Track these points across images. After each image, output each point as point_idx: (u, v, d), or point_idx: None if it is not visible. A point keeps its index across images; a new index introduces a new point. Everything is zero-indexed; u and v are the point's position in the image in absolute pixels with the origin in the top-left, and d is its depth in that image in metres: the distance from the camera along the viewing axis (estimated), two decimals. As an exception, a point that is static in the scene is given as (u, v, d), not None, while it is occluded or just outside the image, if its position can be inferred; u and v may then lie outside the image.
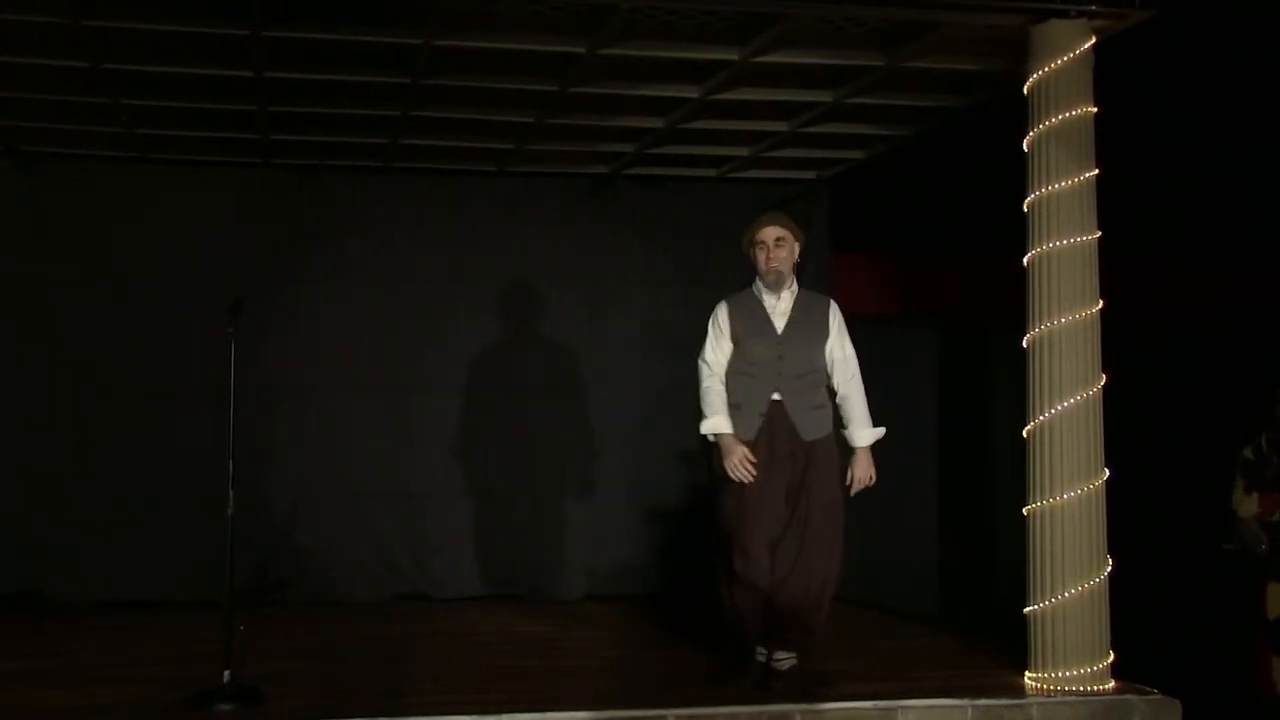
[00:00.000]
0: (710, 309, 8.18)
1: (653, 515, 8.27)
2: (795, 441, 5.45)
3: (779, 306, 5.59)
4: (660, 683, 5.69)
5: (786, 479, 5.44)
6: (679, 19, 5.86)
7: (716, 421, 5.50)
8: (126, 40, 5.96)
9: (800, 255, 5.66)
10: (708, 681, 5.54)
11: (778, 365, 5.51)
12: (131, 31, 5.83)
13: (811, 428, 5.50)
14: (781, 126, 7.34)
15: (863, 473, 5.57)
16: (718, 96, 6.70)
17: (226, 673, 5.22)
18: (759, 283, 5.65)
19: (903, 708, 5.14)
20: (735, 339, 5.57)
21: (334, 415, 7.97)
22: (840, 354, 5.62)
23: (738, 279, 8.36)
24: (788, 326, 5.57)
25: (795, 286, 5.62)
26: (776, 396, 5.49)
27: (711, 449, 5.56)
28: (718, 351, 5.61)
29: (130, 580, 7.63)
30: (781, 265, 5.54)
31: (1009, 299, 6.04)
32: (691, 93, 6.67)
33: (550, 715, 5.07)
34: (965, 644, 6.55)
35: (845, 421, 5.58)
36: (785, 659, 5.55)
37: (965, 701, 5.18)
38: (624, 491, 8.25)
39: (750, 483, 5.36)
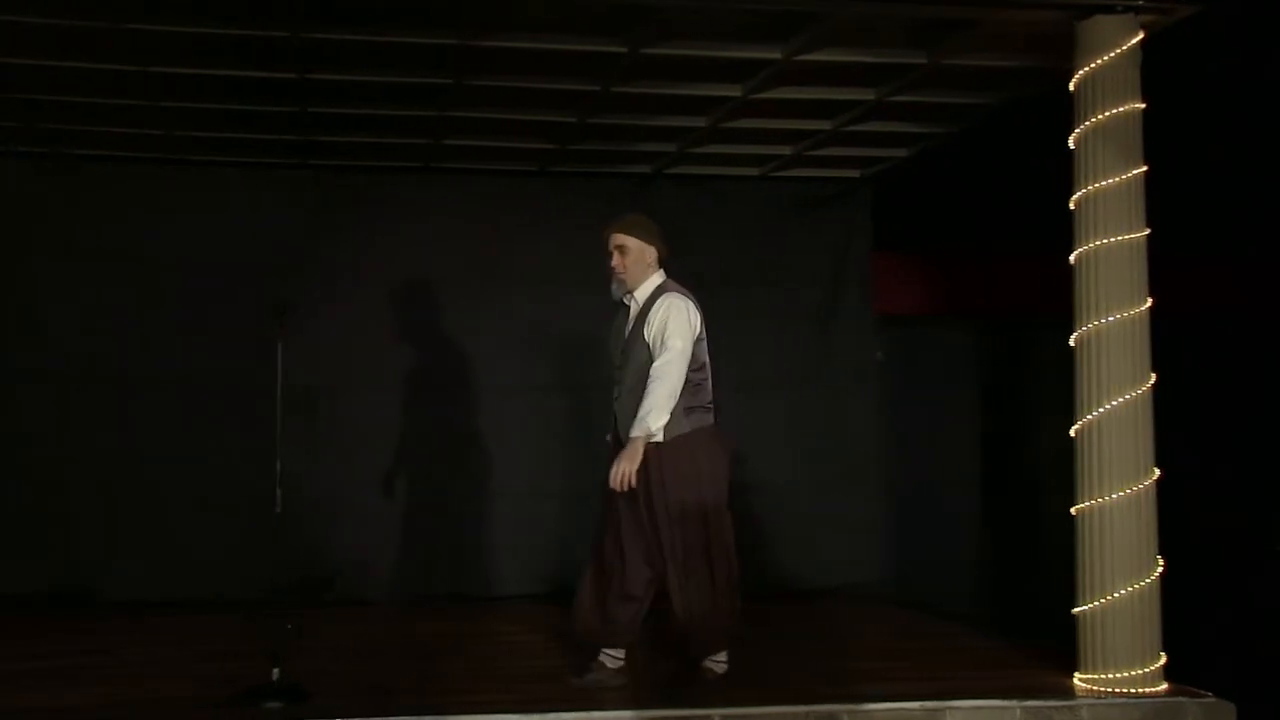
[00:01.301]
0: (755, 308, 8.21)
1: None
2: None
3: (632, 310, 5.60)
4: (705, 682, 5.67)
5: (638, 485, 5.35)
6: (720, 18, 5.84)
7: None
8: (167, 43, 6.00)
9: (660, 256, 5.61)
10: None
11: (618, 373, 5.54)
12: (172, 35, 5.87)
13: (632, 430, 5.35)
14: (824, 125, 7.31)
15: (615, 467, 5.30)
16: (760, 95, 6.68)
17: (275, 670, 5.24)
18: None
19: (950, 708, 5.09)
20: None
21: (375, 416, 7.99)
22: (650, 357, 5.41)
23: (781, 278, 8.42)
24: (630, 333, 5.54)
25: (645, 293, 5.54)
26: (617, 394, 5.52)
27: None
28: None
29: (179, 579, 7.68)
30: (625, 275, 5.54)
31: (1053, 297, 6.00)
32: (733, 91, 6.65)
33: (594, 714, 5.07)
34: (1011, 644, 6.49)
35: None
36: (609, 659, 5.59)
37: (1014, 702, 5.13)
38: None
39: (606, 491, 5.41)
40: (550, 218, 8.24)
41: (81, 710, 5.16)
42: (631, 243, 5.55)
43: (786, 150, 7.85)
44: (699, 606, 5.45)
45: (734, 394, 8.27)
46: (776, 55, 6.10)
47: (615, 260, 5.55)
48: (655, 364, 5.34)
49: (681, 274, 8.27)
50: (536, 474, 8.13)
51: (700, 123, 7.19)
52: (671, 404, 5.34)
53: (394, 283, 8.04)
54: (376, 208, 8.12)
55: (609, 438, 5.56)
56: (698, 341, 5.53)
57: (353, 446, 7.97)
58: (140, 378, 7.77)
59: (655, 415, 5.30)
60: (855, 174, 8.50)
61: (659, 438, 5.36)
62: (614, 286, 5.59)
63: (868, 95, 6.75)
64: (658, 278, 5.59)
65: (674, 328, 5.42)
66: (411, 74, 6.38)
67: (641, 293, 5.55)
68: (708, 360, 5.60)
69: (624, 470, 5.27)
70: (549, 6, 5.67)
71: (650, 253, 5.58)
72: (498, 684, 5.63)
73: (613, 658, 5.58)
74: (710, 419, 5.58)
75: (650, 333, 5.44)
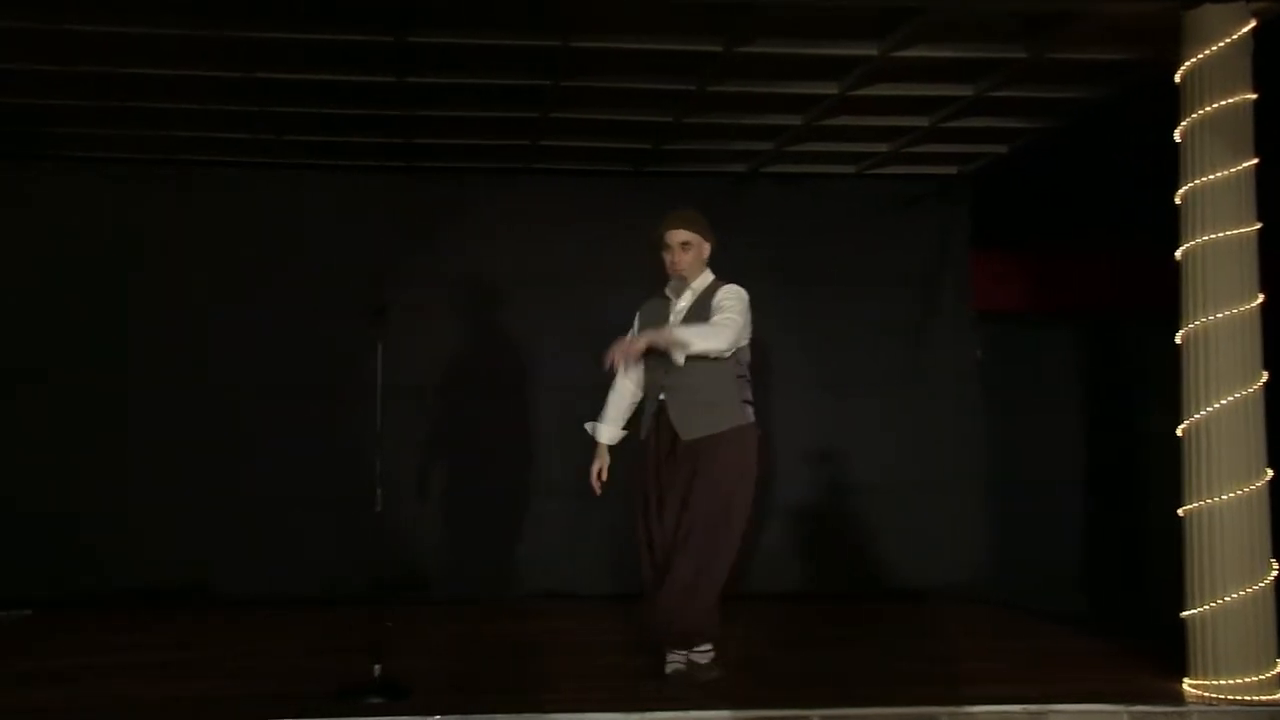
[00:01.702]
0: (852, 307, 8.16)
1: (792, 513, 8.21)
2: (679, 442, 5.40)
3: (680, 306, 5.57)
4: (803, 682, 5.65)
5: (675, 479, 5.41)
6: (816, 15, 5.80)
7: (597, 429, 5.70)
8: (274, 49, 6.11)
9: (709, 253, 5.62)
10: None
11: (663, 363, 5.44)
12: (278, 41, 5.98)
13: (694, 427, 5.40)
14: (921, 122, 7.24)
15: (616, 345, 5.35)
16: (856, 92, 6.63)
17: (377, 667, 5.31)
18: (670, 283, 5.65)
19: (1053, 711, 5.00)
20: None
21: (477, 414, 8.07)
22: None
23: (878, 276, 8.36)
24: (678, 325, 5.50)
25: (703, 284, 5.58)
26: (663, 396, 5.46)
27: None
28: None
29: (285, 576, 7.83)
30: (684, 270, 5.53)
31: (1157, 294, 5.87)
32: (830, 89, 6.61)
33: (691, 714, 5.06)
34: (1115, 647, 6.37)
35: None
36: (675, 659, 5.54)
37: (1120, 707, 5.02)
38: (764, 490, 8.19)
39: (641, 488, 5.48)
40: (646, 218, 8.23)
41: (185, 702, 5.28)
42: (694, 238, 5.57)
43: (883, 147, 7.79)
44: (702, 595, 5.41)
45: (831, 393, 8.27)
46: (873, 52, 6.06)
47: (678, 256, 5.54)
48: (720, 317, 5.37)
49: (777, 273, 8.31)
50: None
51: (796, 121, 7.16)
52: (708, 348, 5.32)
53: (490, 283, 8.10)
54: (478, 209, 8.19)
55: (647, 437, 5.51)
56: (752, 341, 5.62)
57: (450, 446, 8.05)
58: (246, 378, 7.93)
59: (698, 342, 5.29)
60: (953, 171, 8.41)
61: (697, 434, 5.36)
62: (673, 282, 5.58)
63: (966, 91, 6.67)
64: (709, 273, 5.63)
65: (739, 305, 5.48)
66: (509, 76, 6.44)
67: (698, 285, 5.58)
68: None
69: (629, 346, 5.33)
70: (646, 7, 5.68)
71: (707, 248, 5.62)
72: (594, 682, 5.64)
73: (701, 653, 5.56)
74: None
75: (716, 305, 5.48)
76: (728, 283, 5.57)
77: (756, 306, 8.21)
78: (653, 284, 8.02)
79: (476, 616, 7.52)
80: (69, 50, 5.98)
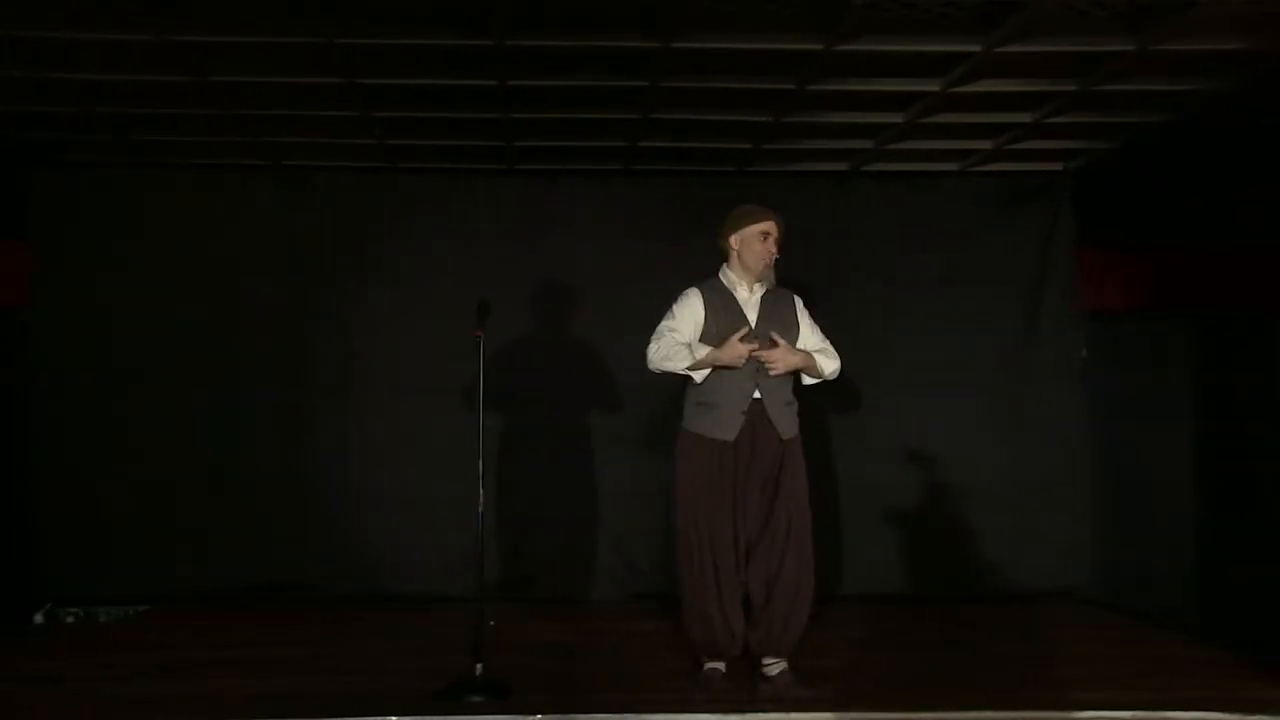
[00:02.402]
0: (955, 306, 8.04)
1: (893, 515, 8.14)
2: (774, 443, 5.39)
3: (750, 299, 5.52)
4: (907, 685, 5.60)
5: (762, 480, 5.38)
6: (917, 11, 5.74)
7: (691, 351, 5.43)
8: (377, 55, 6.20)
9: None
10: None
11: (755, 363, 5.41)
12: (382, 47, 6.07)
13: (787, 426, 5.45)
14: (1025, 118, 7.12)
15: (779, 351, 5.42)
16: (959, 89, 6.54)
17: (479, 665, 5.37)
18: (730, 275, 5.60)
19: (1166, 718, 4.91)
20: (706, 333, 5.49)
21: (577, 415, 8.11)
22: (816, 342, 5.64)
23: (982, 274, 8.25)
24: (760, 321, 5.49)
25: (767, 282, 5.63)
26: (757, 395, 5.39)
27: (682, 451, 5.52)
28: (679, 333, 5.53)
29: (387, 574, 7.96)
30: (772, 262, 5.54)
31: (1273, 291, 5.72)
32: (932, 86, 6.53)
33: (792, 716, 5.05)
34: (1228, 655, 6.23)
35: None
36: (774, 664, 5.48)
37: (1235, 716, 4.92)
38: (864, 491, 8.14)
39: (716, 489, 5.37)
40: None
41: (289, 698, 5.40)
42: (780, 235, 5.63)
43: (986, 144, 7.68)
44: (799, 603, 5.48)
45: (933, 393, 8.17)
46: (977, 48, 5.97)
47: (774, 247, 5.59)
48: (828, 349, 5.63)
49: (878, 272, 8.25)
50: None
51: (898, 119, 7.09)
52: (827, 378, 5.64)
53: (591, 284, 8.14)
54: (579, 211, 8.24)
55: (738, 437, 5.43)
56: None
57: (551, 446, 8.10)
58: (347, 379, 8.08)
59: (827, 376, 5.63)
60: (1058, 167, 8.27)
61: (792, 432, 5.46)
62: (764, 272, 5.59)
63: (1071, 86, 6.55)
64: None
65: (817, 326, 5.71)
66: (609, 78, 6.45)
67: (769, 281, 5.64)
68: None
69: (783, 357, 5.39)
70: (745, 6, 5.67)
71: None
72: (693, 684, 5.64)
73: (774, 664, 5.53)
74: None
75: (800, 333, 5.60)
76: (785, 287, 5.73)
77: (859, 305, 8.24)
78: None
79: (578, 616, 7.56)
80: (177, 60, 6.11)
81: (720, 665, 5.59)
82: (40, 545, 7.82)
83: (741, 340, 5.41)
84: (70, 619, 7.45)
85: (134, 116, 7.16)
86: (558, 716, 5.08)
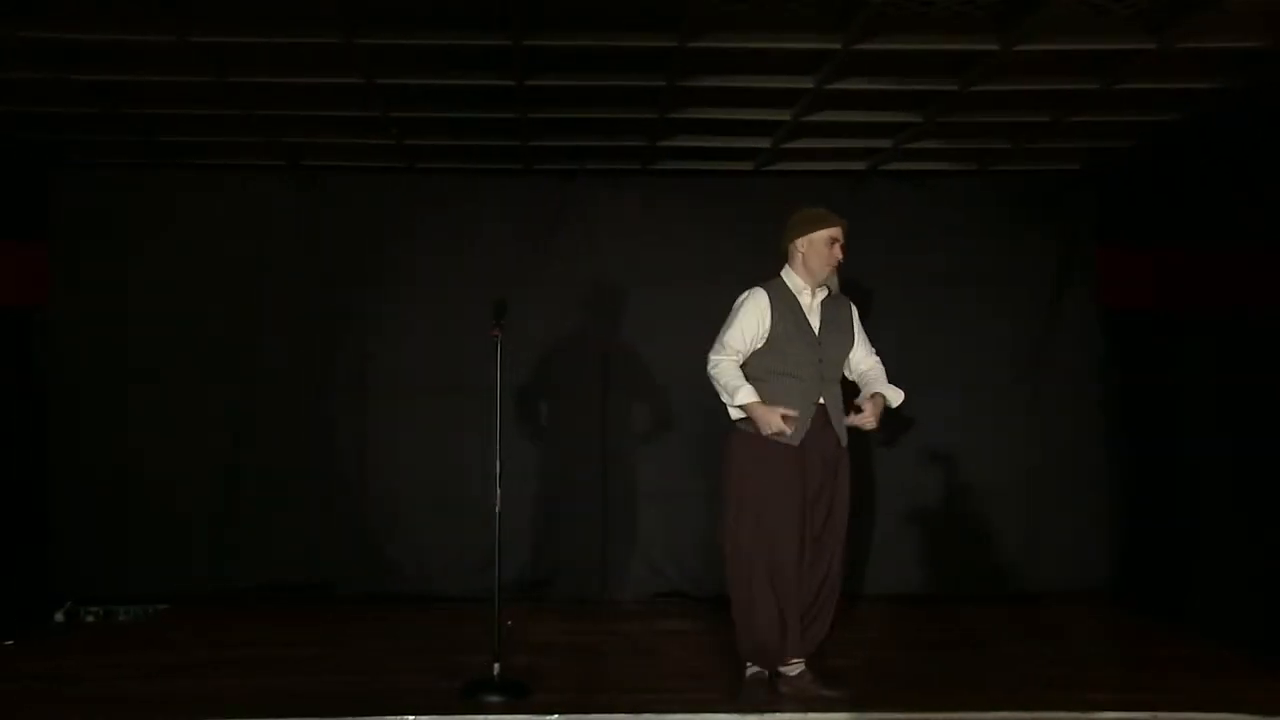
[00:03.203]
0: (974, 306, 8.01)
1: (913, 515, 8.11)
2: (833, 446, 5.42)
3: (812, 304, 5.51)
4: (928, 685, 5.58)
5: (820, 483, 5.40)
6: (935, 10, 5.72)
7: (745, 392, 5.38)
8: (395, 55, 6.21)
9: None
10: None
11: (819, 368, 5.42)
12: (400, 47, 6.07)
13: (845, 432, 5.50)
14: (1043, 117, 7.09)
15: (871, 418, 5.53)
16: (977, 88, 6.52)
17: (496, 665, 5.37)
18: (795, 279, 5.56)
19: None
20: (773, 336, 5.45)
21: (595, 414, 8.11)
22: (866, 352, 5.71)
23: (1001, 275, 8.22)
24: (822, 326, 5.49)
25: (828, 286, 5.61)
26: (821, 400, 5.40)
27: (742, 453, 5.46)
28: (743, 339, 5.48)
29: (407, 575, 7.98)
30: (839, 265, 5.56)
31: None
32: (950, 85, 6.50)
33: (811, 716, 5.04)
34: (1250, 657, 6.20)
35: (870, 385, 5.63)
36: (797, 664, 5.47)
37: (1259, 718, 4.89)
38: (882, 490, 8.12)
39: (787, 492, 5.33)
40: (766, 216, 8.21)
41: (312, 697, 5.41)
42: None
43: (1005, 144, 7.65)
44: (835, 599, 5.55)
45: (956, 393, 8.15)
46: (994, 47, 5.94)
47: (840, 252, 5.58)
48: (876, 359, 5.70)
49: (898, 272, 8.23)
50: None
51: (916, 118, 7.07)
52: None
53: (606, 284, 8.13)
54: (595, 210, 8.24)
55: (804, 440, 5.41)
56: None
57: (571, 446, 8.10)
58: (372, 380, 8.10)
59: (895, 401, 5.66)
60: (1077, 166, 8.23)
61: (847, 438, 5.53)
62: (828, 276, 5.59)
63: (1090, 85, 6.51)
64: None
65: (866, 335, 5.77)
66: (627, 77, 6.45)
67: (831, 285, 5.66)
68: None
69: (873, 425, 5.53)
70: (763, 5, 5.65)
71: None
72: (716, 684, 5.64)
73: (795, 665, 5.52)
74: None
75: (855, 341, 5.67)
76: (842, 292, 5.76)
77: (876, 305, 8.22)
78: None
79: (596, 616, 7.56)
80: (196, 61, 6.12)
81: (766, 671, 5.54)
82: (59, 544, 7.86)
83: (805, 348, 5.47)
84: (90, 618, 7.48)
85: (152, 117, 7.19)
86: (575, 716, 5.08)
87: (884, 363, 7.99)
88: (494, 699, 5.30)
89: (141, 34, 5.79)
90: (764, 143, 7.60)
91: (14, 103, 6.87)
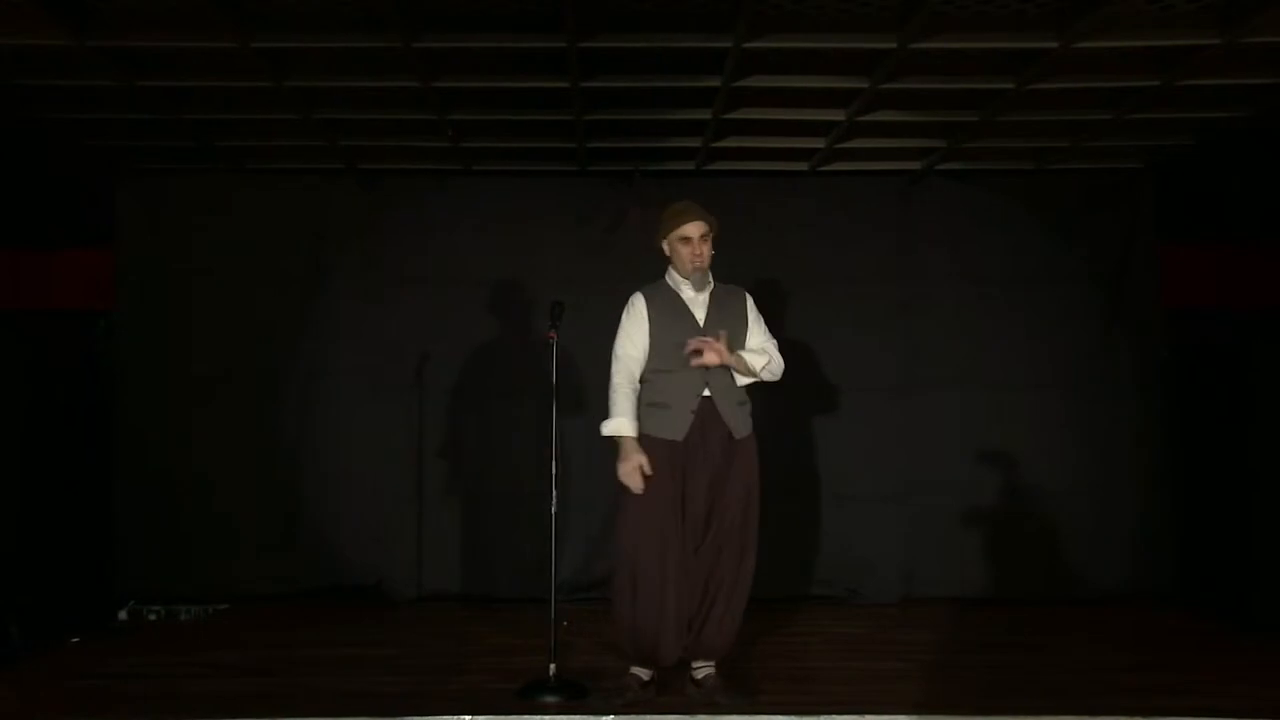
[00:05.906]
0: (1033, 306, 7.94)
1: (973, 516, 8.05)
2: (724, 439, 5.28)
3: (698, 299, 5.40)
4: (989, 688, 5.53)
5: (710, 479, 5.25)
6: (993, 9, 5.68)
7: (619, 423, 5.28)
8: (452, 58, 6.26)
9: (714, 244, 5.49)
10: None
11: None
12: (456, 50, 6.12)
13: (740, 425, 5.33)
14: (1104, 115, 7.01)
15: (707, 349, 5.26)
16: (1035, 86, 6.46)
17: (552, 666, 5.39)
18: (674, 275, 5.47)
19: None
20: (654, 334, 5.36)
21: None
22: (762, 341, 5.47)
23: (1060, 274, 8.14)
24: (708, 318, 5.37)
25: (712, 280, 5.47)
26: (706, 393, 5.28)
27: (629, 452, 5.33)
28: (633, 345, 5.38)
29: (464, 575, 8.03)
30: (706, 262, 5.39)
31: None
32: (1007, 84, 6.45)
33: (867, 719, 5.01)
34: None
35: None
36: (702, 667, 5.38)
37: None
38: (945, 492, 8.06)
39: (665, 490, 5.20)
40: (822, 216, 8.20)
41: (367, 697, 5.45)
42: (712, 229, 5.51)
43: (1064, 142, 7.57)
44: (745, 598, 5.38)
45: (1014, 394, 8.08)
46: (1053, 44, 5.89)
47: (701, 248, 5.43)
48: (773, 348, 5.46)
49: (955, 272, 8.17)
50: (812, 476, 8.09)
51: (973, 117, 7.01)
52: (766, 379, 5.46)
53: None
54: (649, 211, 8.23)
55: (687, 436, 5.29)
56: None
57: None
58: (435, 381, 8.12)
59: (765, 376, 5.42)
60: (1138, 165, 8.14)
61: (745, 431, 5.35)
62: (695, 276, 5.42)
63: (1152, 81, 6.44)
64: None
65: (765, 325, 5.56)
66: (682, 79, 6.45)
67: (710, 282, 5.51)
68: None
69: (720, 351, 5.24)
70: (819, 5, 5.64)
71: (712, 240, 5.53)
72: (774, 684, 5.64)
73: (702, 667, 5.47)
74: None
75: (748, 330, 5.47)
76: (731, 283, 5.61)
77: (934, 306, 8.16)
78: (834, 281, 8.04)
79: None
80: (256, 66, 6.20)
81: (645, 672, 5.43)
82: (123, 545, 7.97)
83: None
84: (152, 616, 7.59)
85: (214, 122, 7.28)
86: (632, 717, 5.08)
87: (954, 363, 8.00)
88: (551, 699, 5.32)
89: (203, 41, 5.88)
90: (819, 143, 7.57)
91: (81, 111, 6.99)
